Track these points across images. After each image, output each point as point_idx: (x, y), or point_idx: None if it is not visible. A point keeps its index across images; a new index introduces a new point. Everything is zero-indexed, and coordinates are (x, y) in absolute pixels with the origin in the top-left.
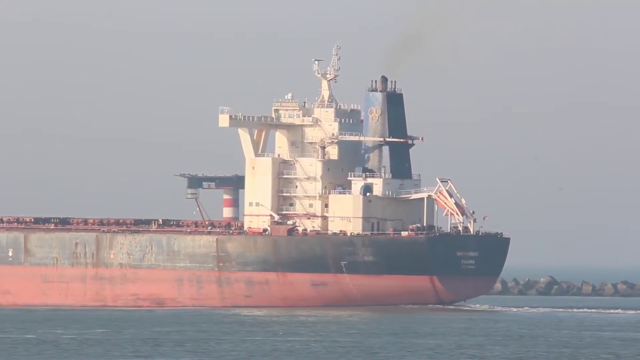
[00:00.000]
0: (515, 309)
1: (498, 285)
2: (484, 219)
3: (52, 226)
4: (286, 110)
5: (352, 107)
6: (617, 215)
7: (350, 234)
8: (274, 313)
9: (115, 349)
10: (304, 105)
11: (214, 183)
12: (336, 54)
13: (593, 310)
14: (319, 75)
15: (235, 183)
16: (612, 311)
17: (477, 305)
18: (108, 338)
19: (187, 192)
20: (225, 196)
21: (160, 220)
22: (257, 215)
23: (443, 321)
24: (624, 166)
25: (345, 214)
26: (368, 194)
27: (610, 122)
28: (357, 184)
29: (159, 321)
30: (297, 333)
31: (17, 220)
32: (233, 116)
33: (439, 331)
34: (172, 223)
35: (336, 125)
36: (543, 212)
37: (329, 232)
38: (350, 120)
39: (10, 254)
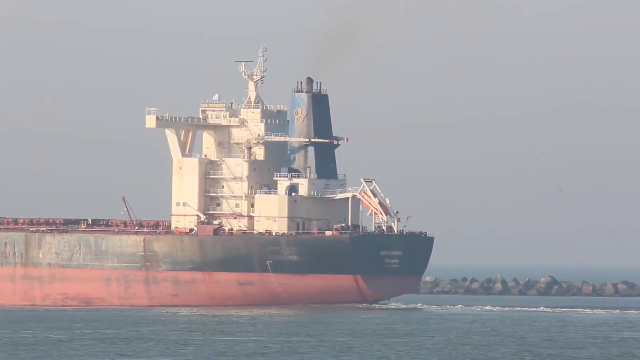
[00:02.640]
0: (437, 308)
1: (498, 285)
2: (408, 218)
3: None
4: (213, 111)
5: (279, 108)
6: (617, 215)
7: (276, 233)
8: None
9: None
10: (231, 106)
11: None
12: (262, 56)
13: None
14: (246, 77)
15: None
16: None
17: (400, 304)
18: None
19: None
20: None
21: (90, 220)
22: (184, 215)
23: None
24: (623, 166)
25: (270, 214)
26: (293, 194)
27: (610, 123)
28: (283, 184)
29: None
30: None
31: None
32: (160, 117)
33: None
34: (101, 223)
35: (262, 126)
36: (543, 212)
37: (255, 231)
38: (276, 121)
39: None
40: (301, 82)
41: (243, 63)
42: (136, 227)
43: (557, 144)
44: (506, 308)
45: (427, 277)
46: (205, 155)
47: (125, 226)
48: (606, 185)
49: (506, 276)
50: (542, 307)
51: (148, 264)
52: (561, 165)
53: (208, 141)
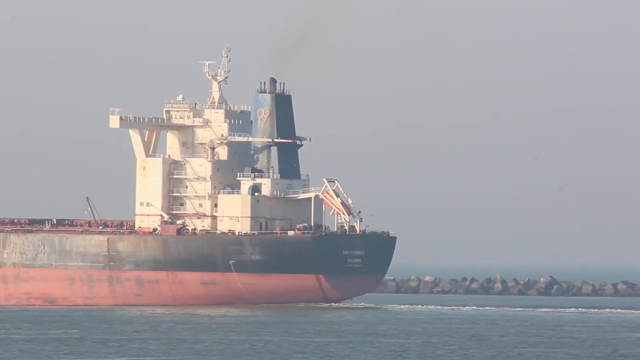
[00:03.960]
0: (398, 307)
1: (498, 285)
2: (370, 217)
3: None
4: (177, 111)
5: (242, 109)
6: (617, 215)
7: (239, 233)
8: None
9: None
10: (195, 107)
11: None
12: (226, 56)
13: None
14: (210, 77)
15: None
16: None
17: (362, 304)
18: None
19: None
20: None
21: (55, 220)
22: (148, 215)
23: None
24: (623, 166)
25: (233, 214)
26: (256, 193)
27: (610, 123)
28: (246, 184)
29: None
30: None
31: None
32: (124, 117)
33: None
34: (66, 223)
35: (226, 126)
36: (543, 212)
37: (218, 231)
38: (240, 121)
39: None
40: (264, 83)
41: (207, 63)
42: (100, 227)
43: (557, 144)
44: (533, 309)
45: (427, 277)
46: (169, 156)
47: (90, 226)
48: (606, 185)
49: (506, 276)
50: (572, 309)
51: (112, 263)
52: (561, 165)
53: (172, 141)
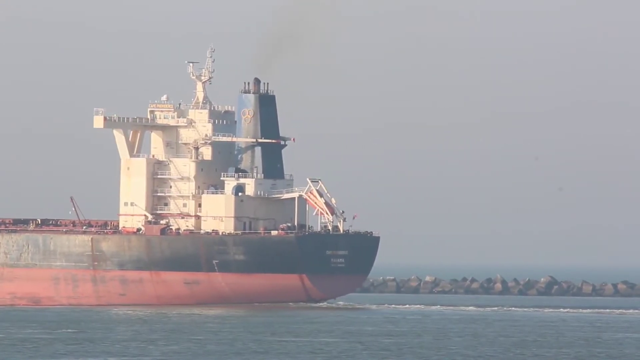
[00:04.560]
0: (374, 306)
1: (498, 285)
2: (354, 217)
3: None
4: (161, 111)
5: (226, 109)
6: (617, 215)
7: (222, 233)
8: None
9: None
10: (179, 107)
11: None
12: (210, 56)
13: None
14: (194, 77)
15: None
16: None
17: (341, 303)
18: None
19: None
20: None
21: (39, 220)
22: (132, 215)
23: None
24: (623, 166)
25: (217, 214)
26: (240, 193)
27: (610, 123)
28: (230, 184)
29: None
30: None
31: None
32: (108, 117)
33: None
34: (50, 223)
35: (210, 126)
36: (543, 212)
37: (202, 231)
38: (224, 121)
39: None
40: (248, 83)
41: (191, 64)
42: (84, 227)
43: (557, 144)
44: (547, 309)
45: (427, 277)
46: (153, 156)
47: (74, 226)
48: (606, 185)
49: (506, 276)
50: (588, 310)
51: (96, 263)
52: (561, 165)
53: (156, 141)
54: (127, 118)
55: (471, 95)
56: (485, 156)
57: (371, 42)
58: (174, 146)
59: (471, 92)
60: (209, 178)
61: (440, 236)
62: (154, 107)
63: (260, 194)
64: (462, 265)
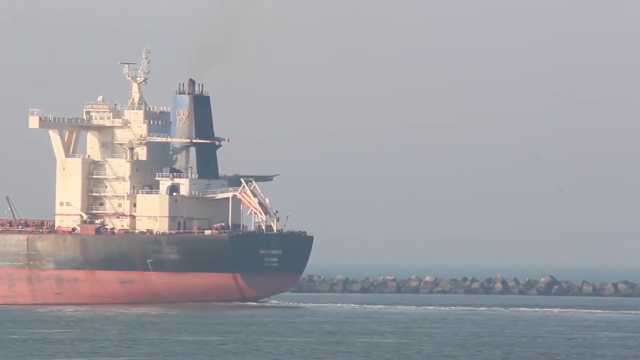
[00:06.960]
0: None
1: (498, 285)
2: (287, 217)
3: None
4: (97, 112)
5: (161, 109)
6: (617, 215)
7: (157, 232)
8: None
9: None
10: (115, 107)
11: None
12: (146, 57)
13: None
14: (129, 78)
15: None
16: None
17: (275, 302)
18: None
19: None
20: None
21: None
22: (68, 215)
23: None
24: (623, 166)
25: (152, 214)
26: (175, 193)
27: (610, 122)
28: (164, 184)
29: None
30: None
31: None
32: (43, 118)
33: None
34: None
35: (145, 126)
36: (543, 212)
37: (137, 231)
38: (159, 122)
39: None
40: (183, 84)
41: (126, 65)
42: (20, 227)
43: (557, 144)
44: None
45: (427, 277)
46: (89, 156)
47: (10, 226)
48: (606, 185)
49: (506, 276)
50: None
51: (31, 262)
52: (561, 165)
53: (92, 142)
54: (63, 118)
55: (471, 95)
56: (485, 156)
57: (312, 46)
58: (109, 146)
59: (471, 92)
60: (144, 178)
61: (440, 236)
62: (89, 108)
63: (195, 194)
64: (462, 265)
